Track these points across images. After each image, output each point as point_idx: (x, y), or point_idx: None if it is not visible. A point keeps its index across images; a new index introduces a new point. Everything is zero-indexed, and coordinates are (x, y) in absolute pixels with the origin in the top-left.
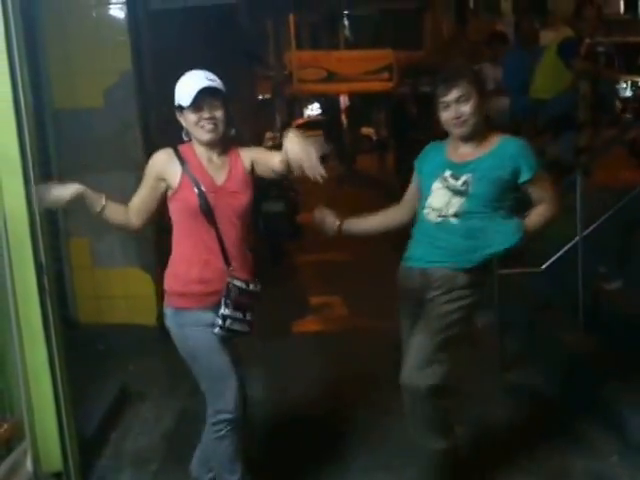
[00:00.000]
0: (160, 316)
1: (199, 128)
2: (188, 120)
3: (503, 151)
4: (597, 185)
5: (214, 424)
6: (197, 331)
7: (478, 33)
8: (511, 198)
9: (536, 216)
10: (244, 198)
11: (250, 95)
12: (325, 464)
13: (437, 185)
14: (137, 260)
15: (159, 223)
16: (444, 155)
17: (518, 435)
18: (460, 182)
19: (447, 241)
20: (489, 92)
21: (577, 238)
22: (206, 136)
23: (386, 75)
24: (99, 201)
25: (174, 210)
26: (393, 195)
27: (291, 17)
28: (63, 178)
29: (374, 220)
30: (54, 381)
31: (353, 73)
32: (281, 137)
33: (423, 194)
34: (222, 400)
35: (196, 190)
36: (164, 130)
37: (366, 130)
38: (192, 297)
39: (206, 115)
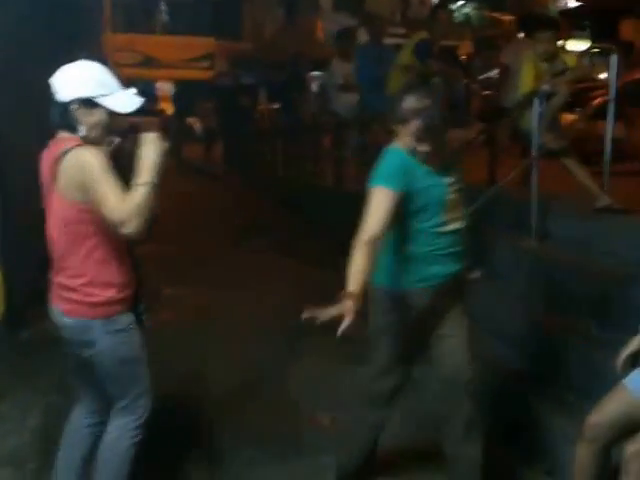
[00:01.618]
0: (5, 312)
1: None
2: (103, 119)
3: None
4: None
5: (135, 429)
6: None
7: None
8: None
9: None
10: None
11: None
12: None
13: (451, 196)
14: None
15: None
16: (420, 165)
17: None
18: (457, 186)
19: (462, 243)
20: (338, 87)
21: None
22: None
23: (206, 64)
24: None
25: None
26: (220, 181)
27: None
28: None
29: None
30: None
31: (172, 59)
32: None
33: (430, 209)
34: (143, 403)
35: None
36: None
37: (190, 120)
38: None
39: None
